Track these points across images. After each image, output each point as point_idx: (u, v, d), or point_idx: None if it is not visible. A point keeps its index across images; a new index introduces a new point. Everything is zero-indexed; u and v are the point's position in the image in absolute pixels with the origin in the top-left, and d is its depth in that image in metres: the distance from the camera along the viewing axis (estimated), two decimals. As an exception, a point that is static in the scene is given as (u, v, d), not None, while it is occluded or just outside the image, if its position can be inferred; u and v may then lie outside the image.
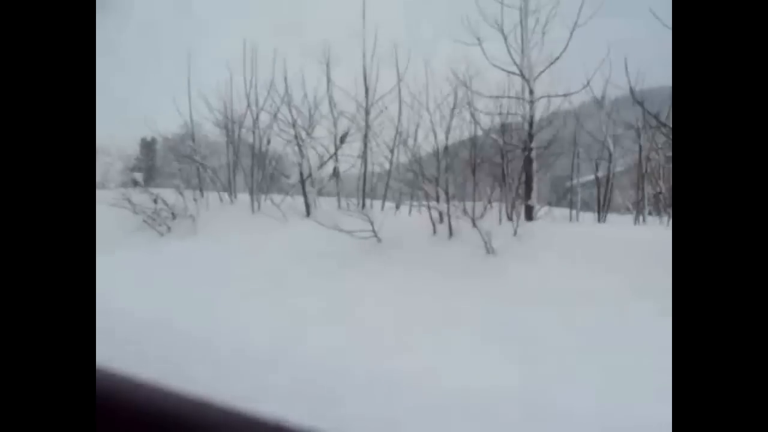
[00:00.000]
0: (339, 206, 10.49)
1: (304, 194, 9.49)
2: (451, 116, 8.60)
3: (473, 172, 9.18)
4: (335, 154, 9.80)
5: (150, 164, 24.50)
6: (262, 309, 5.72)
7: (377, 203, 10.37)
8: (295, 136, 9.57)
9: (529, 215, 9.81)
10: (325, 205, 10.17)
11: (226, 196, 10.93)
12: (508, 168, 9.90)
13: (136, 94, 18.16)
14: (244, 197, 10.95)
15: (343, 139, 9.63)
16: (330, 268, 6.98)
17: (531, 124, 10.08)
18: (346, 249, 7.58)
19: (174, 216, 9.75)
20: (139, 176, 9.69)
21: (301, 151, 9.47)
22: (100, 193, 11.34)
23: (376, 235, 7.86)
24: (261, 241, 8.42)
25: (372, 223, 7.80)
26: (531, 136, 10.06)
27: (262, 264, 7.35)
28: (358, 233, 7.73)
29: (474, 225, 7.06)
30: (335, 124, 10.37)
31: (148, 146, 24.73)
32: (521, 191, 9.87)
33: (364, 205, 10.31)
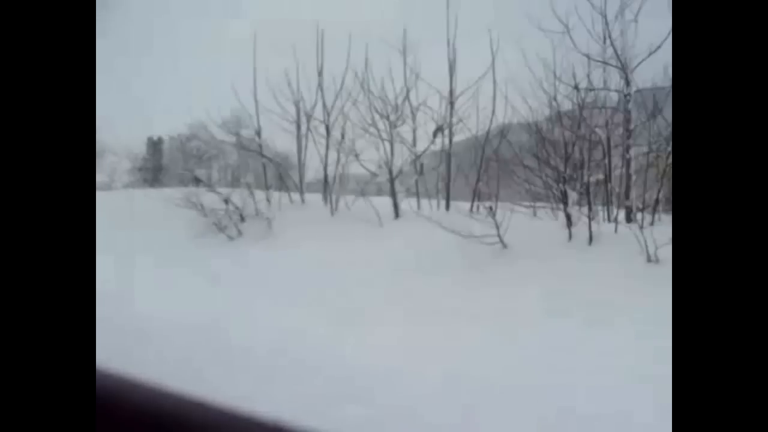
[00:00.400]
0: (419, 207, 9.51)
1: (393, 194, 8.47)
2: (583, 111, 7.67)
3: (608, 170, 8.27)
4: (427, 149, 8.80)
5: (156, 164, 23.28)
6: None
7: (455, 204, 9.39)
8: (385, 130, 8.53)
9: (629, 217, 9.01)
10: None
11: (294, 196, 9.82)
12: (610, 165, 9.09)
13: (148, 91, 16.98)
14: (310, 197, 9.88)
15: (436, 134, 8.64)
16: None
17: (629, 120, 9.32)
18: (474, 256, 6.61)
19: (243, 218, 8.62)
20: (202, 174, 8.53)
21: (392, 147, 8.46)
22: (159, 192, 10.15)
23: (501, 241, 6.91)
24: (356, 249, 7.36)
25: (498, 227, 6.84)
26: (629, 132, 9.30)
27: (380, 279, 6.31)
28: (481, 239, 6.77)
29: (641, 228, 6.14)
30: (414, 118, 9.38)
31: (154, 145, 23.54)
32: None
33: (448, 206, 9.36)
